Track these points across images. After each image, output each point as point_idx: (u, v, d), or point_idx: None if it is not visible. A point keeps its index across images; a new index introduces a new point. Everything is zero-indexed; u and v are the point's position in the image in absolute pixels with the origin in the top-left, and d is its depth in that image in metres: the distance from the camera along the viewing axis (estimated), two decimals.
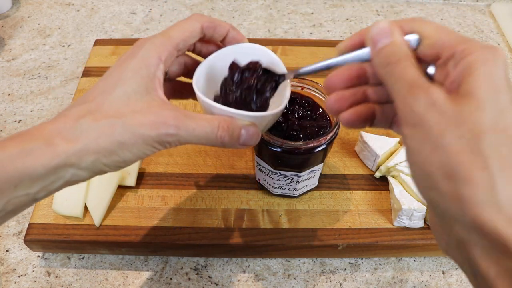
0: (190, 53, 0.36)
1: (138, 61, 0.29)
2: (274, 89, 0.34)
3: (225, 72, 0.34)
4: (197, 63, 0.35)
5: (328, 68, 0.30)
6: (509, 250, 0.19)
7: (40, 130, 0.27)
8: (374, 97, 0.29)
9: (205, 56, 0.36)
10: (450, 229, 0.23)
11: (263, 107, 0.34)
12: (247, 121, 0.31)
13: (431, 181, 0.22)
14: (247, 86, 0.33)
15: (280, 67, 0.36)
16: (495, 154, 0.20)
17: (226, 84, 0.34)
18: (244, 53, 0.35)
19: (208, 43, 0.36)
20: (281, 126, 0.44)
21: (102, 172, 0.29)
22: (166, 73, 0.34)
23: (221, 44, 0.36)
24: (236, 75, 0.34)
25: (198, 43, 0.35)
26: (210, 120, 0.30)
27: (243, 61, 0.34)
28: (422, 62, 0.26)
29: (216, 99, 0.34)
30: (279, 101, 0.35)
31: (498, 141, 0.21)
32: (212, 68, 0.35)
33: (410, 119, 0.23)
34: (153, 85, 0.29)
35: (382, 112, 0.29)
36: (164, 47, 0.30)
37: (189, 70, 0.35)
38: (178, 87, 0.37)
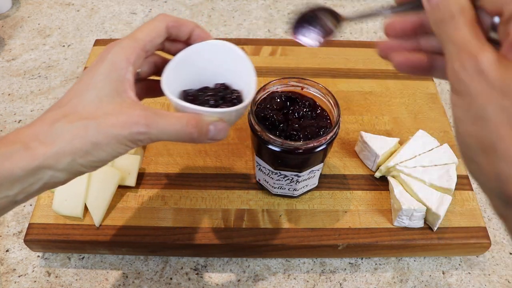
0: (159, 52, 0.37)
1: (108, 65, 0.31)
2: (236, 99, 0.37)
3: (192, 70, 0.37)
4: (166, 62, 0.36)
5: (380, 15, 0.30)
6: None
7: (18, 135, 0.28)
8: (431, 46, 0.28)
9: (174, 54, 0.37)
10: (490, 200, 0.23)
11: (231, 103, 0.36)
12: (215, 117, 0.33)
13: (471, 153, 0.22)
14: (213, 96, 0.37)
15: (245, 63, 0.37)
16: None
17: (193, 88, 0.38)
18: (209, 50, 0.37)
19: (175, 41, 0.37)
20: (281, 126, 0.44)
21: (79, 172, 0.30)
22: (137, 74, 0.35)
23: (188, 42, 0.37)
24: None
25: (167, 42, 0.36)
26: (180, 118, 0.31)
27: (208, 58, 0.37)
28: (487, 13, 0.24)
29: (186, 96, 0.36)
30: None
31: None
32: (180, 67, 0.36)
33: (456, 86, 0.22)
34: (123, 87, 0.31)
35: (440, 62, 0.28)
36: (132, 50, 0.32)
37: (160, 68, 0.37)
38: (150, 86, 0.38)
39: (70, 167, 0.29)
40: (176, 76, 0.36)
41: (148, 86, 0.38)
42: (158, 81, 0.35)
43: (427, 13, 0.25)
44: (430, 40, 0.28)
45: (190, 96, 0.37)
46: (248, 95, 0.36)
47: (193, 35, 0.36)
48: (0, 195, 0.27)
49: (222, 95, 0.37)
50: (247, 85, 0.37)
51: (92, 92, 0.30)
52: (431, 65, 0.28)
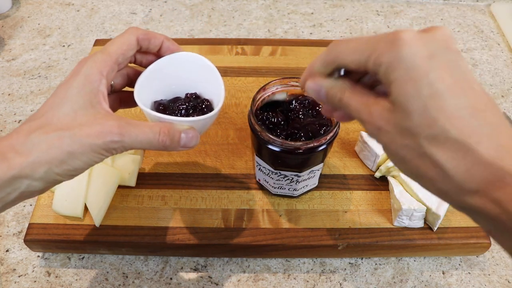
0: (132, 65, 0.39)
1: (82, 79, 0.32)
2: (206, 107, 0.39)
3: (163, 81, 0.39)
4: (139, 73, 0.38)
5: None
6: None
7: None
8: None
9: (145, 66, 0.39)
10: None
11: (202, 111, 0.38)
12: (186, 125, 0.35)
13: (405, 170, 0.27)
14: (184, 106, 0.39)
15: (214, 73, 0.39)
16: (436, 149, 0.24)
17: (165, 99, 0.40)
18: (179, 61, 0.39)
19: (146, 54, 0.39)
20: (281, 126, 0.44)
21: (55, 181, 0.31)
22: (111, 86, 0.37)
23: (158, 54, 0.39)
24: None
25: (138, 54, 0.38)
26: (152, 127, 0.33)
27: (179, 69, 0.39)
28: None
29: (158, 107, 0.38)
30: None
31: (434, 136, 0.24)
32: (152, 78, 0.38)
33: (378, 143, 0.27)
34: (97, 99, 0.32)
35: None
36: (105, 63, 0.33)
37: (132, 80, 0.38)
38: (124, 98, 0.40)
39: (46, 176, 0.30)
40: (148, 87, 0.38)
41: (121, 97, 0.40)
42: (132, 93, 0.37)
43: (325, 104, 0.31)
44: None
45: (162, 106, 0.38)
46: (218, 103, 0.37)
47: (163, 47, 0.38)
48: None
49: (193, 104, 0.39)
50: (217, 94, 0.39)
51: (66, 105, 0.31)
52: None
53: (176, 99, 0.40)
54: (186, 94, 0.41)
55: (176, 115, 0.38)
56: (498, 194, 0.23)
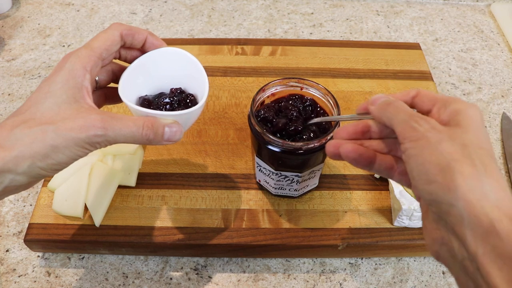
0: (117, 61, 0.39)
1: (65, 74, 0.32)
2: (191, 102, 0.39)
3: (148, 76, 0.39)
4: (124, 69, 0.38)
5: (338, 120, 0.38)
6: (494, 229, 0.23)
7: None
8: (376, 147, 0.34)
9: (130, 62, 0.39)
10: (445, 219, 0.26)
11: (186, 106, 0.38)
12: (170, 119, 0.35)
13: (429, 176, 0.27)
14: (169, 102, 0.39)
15: (198, 68, 0.39)
16: (478, 157, 0.26)
17: (149, 93, 0.40)
18: (163, 56, 0.39)
19: (131, 49, 0.39)
20: (282, 127, 0.44)
21: (39, 176, 0.31)
22: (96, 82, 0.37)
23: (142, 49, 0.39)
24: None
25: (122, 50, 0.38)
26: (136, 120, 0.33)
27: (163, 64, 0.39)
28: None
29: (142, 102, 0.38)
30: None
31: (479, 152, 0.26)
32: (136, 73, 0.39)
33: (412, 137, 0.28)
34: (81, 94, 0.32)
35: (381, 159, 0.33)
36: (89, 58, 0.33)
37: (117, 76, 0.39)
38: (109, 94, 0.40)
39: (30, 171, 0.30)
40: (133, 83, 0.38)
41: (106, 93, 0.40)
42: (116, 89, 0.37)
43: (372, 110, 0.32)
44: (372, 143, 0.34)
45: (147, 101, 0.39)
46: (202, 98, 0.38)
47: (147, 43, 0.38)
48: None
49: (178, 99, 0.39)
50: (201, 88, 0.39)
51: (50, 100, 0.31)
52: (372, 160, 0.33)
53: (160, 94, 0.40)
54: (171, 89, 0.41)
55: (161, 110, 0.38)
56: None
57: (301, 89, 0.47)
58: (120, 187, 0.51)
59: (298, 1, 0.88)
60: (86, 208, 0.49)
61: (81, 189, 0.49)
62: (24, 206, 0.55)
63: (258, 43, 0.71)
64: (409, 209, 0.46)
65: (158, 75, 0.40)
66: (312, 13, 0.85)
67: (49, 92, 0.31)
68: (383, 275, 0.49)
